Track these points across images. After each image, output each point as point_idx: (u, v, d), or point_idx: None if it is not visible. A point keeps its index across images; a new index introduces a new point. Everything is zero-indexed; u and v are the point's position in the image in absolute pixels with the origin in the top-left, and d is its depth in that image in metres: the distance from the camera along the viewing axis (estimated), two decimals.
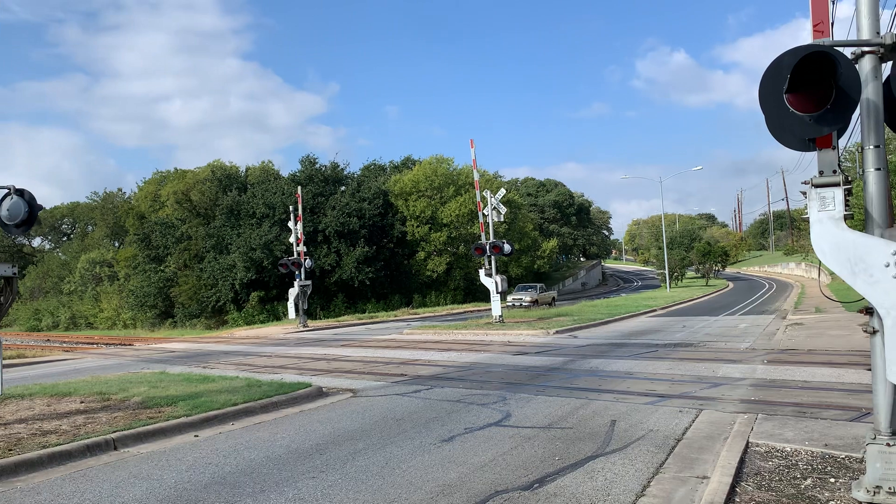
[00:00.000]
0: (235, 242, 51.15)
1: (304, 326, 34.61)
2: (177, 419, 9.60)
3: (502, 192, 31.84)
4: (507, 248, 28.83)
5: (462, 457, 7.47)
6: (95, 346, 36.24)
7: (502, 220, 34.41)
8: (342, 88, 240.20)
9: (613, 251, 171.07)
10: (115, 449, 8.47)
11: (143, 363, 20.72)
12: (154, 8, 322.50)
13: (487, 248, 27.95)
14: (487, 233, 29.27)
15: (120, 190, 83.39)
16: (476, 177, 31.67)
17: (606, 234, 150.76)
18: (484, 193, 30.04)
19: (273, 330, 35.10)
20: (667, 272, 66.61)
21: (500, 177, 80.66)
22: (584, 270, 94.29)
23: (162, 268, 58.10)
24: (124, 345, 34.06)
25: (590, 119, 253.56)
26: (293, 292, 35.13)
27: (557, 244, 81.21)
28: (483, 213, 30.04)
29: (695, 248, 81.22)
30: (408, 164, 68.67)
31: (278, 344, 26.11)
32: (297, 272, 34.95)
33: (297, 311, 35.23)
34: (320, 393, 12.28)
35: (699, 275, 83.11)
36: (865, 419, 8.17)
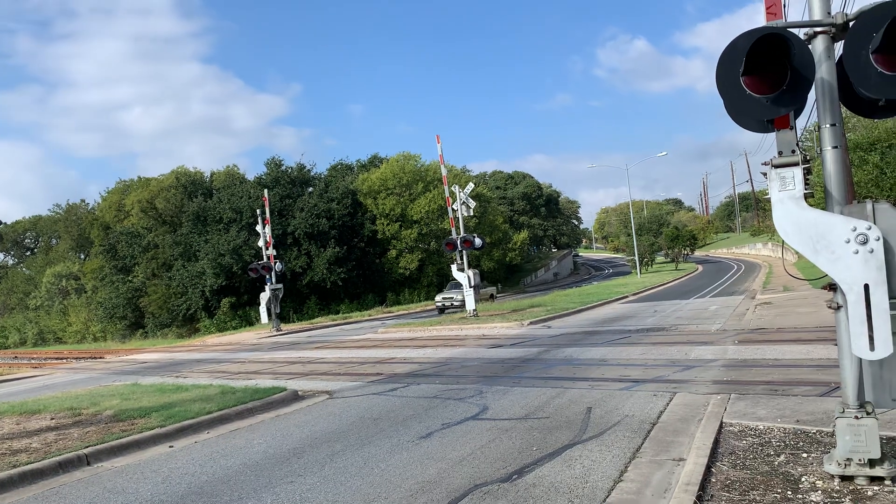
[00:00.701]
0: (204, 249, 50.56)
1: (278, 330, 34.35)
2: (150, 431, 9.45)
3: (471, 186, 31.85)
4: (477, 242, 28.88)
5: (440, 452, 7.47)
6: (65, 360, 35.54)
7: (472, 214, 34.48)
8: (305, 89, 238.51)
9: (584, 240, 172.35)
10: (89, 464, 8.31)
11: (114, 376, 20.38)
12: (107, 14, 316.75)
13: (458, 242, 27.97)
14: (458, 228, 29.28)
15: (83, 201, 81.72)
16: (444, 172, 31.66)
17: (576, 223, 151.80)
18: (452, 188, 30.04)
19: (246, 336, 34.78)
20: (637, 258, 67.28)
21: (469, 171, 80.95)
22: (555, 261, 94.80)
23: (130, 278, 57.22)
24: (95, 358, 33.46)
25: (555, 110, 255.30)
26: (265, 296, 34.85)
27: (528, 236, 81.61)
28: (452, 209, 30.04)
29: (663, 234, 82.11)
30: (375, 162, 68.40)
31: (252, 349, 25.87)
32: (267, 276, 34.66)
33: (269, 315, 34.97)
34: (296, 396, 12.18)
35: (669, 260, 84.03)
36: (835, 394, 8.32)
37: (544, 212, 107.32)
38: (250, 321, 46.69)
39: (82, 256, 76.68)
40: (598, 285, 53.76)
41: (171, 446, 9.04)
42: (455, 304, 36.75)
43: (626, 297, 35.94)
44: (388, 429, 8.92)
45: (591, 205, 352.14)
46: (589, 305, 29.90)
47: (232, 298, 49.90)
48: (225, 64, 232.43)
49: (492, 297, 45.18)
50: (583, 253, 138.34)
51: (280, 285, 35.20)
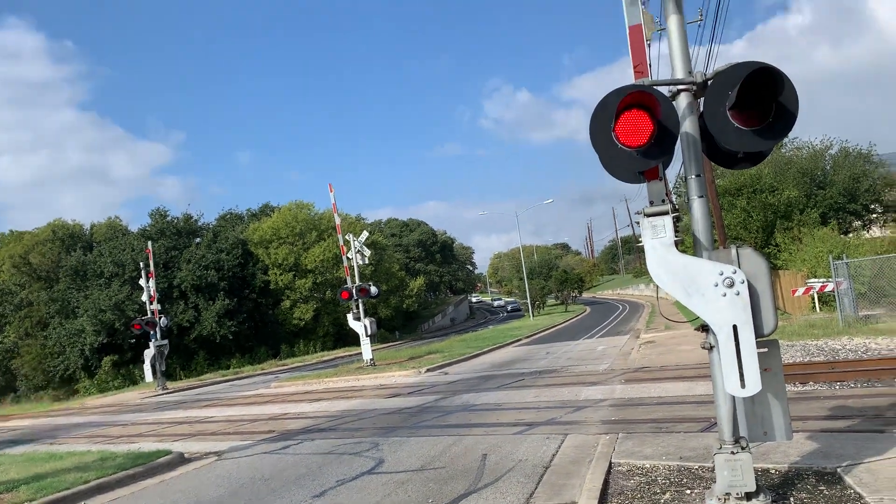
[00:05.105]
0: (83, 305, 47.65)
1: (164, 389, 32.60)
2: None
3: (365, 234, 31.74)
4: (373, 290, 28.65)
5: None
6: None
7: (367, 262, 34.26)
8: (188, 136, 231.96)
9: (479, 285, 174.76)
10: None
11: None
12: None
13: (354, 291, 27.67)
14: (353, 276, 29.01)
15: None
16: (337, 221, 31.42)
17: (471, 268, 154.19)
18: (347, 237, 29.82)
19: (129, 396, 32.80)
20: (529, 302, 68.83)
21: (364, 219, 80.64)
22: (452, 306, 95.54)
23: (1, 339, 53.05)
24: None
25: (446, 158, 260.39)
26: (149, 353, 33.10)
27: (424, 282, 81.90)
28: (347, 257, 29.77)
29: (553, 277, 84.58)
30: (266, 211, 67.04)
31: (136, 410, 24.40)
32: (152, 332, 32.99)
33: (154, 373, 33.19)
34: (182, 459, 11.54)
35: (559, 302, 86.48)
36: (714, 429, 8.68)
37: (440, 258, 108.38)
38: (134, 380, 44.08)
39: None
40: (494, 329, 54.47)
41: None
42: None
43: (521, 339, 36.56)
44: (281, 489, 8.57)
45: (484, 250, 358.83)
46: (485, 350, 30.19)
47: (114, 356, 47.05)
48: (102, 110, 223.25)
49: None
50: (479, 298, 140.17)
51: (165, 341, 33.57)
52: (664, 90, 5.39)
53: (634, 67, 5.54)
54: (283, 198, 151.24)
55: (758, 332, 5.13)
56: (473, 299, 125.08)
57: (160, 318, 33.60)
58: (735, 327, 5.07)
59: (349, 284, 28.18)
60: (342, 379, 24.26)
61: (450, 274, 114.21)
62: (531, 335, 39.73)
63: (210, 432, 15.23)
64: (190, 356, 48.60)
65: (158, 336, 33.03)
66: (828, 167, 35.16)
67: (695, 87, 5.48)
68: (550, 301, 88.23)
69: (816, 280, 23.77)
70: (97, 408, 28.97)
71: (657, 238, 5.29)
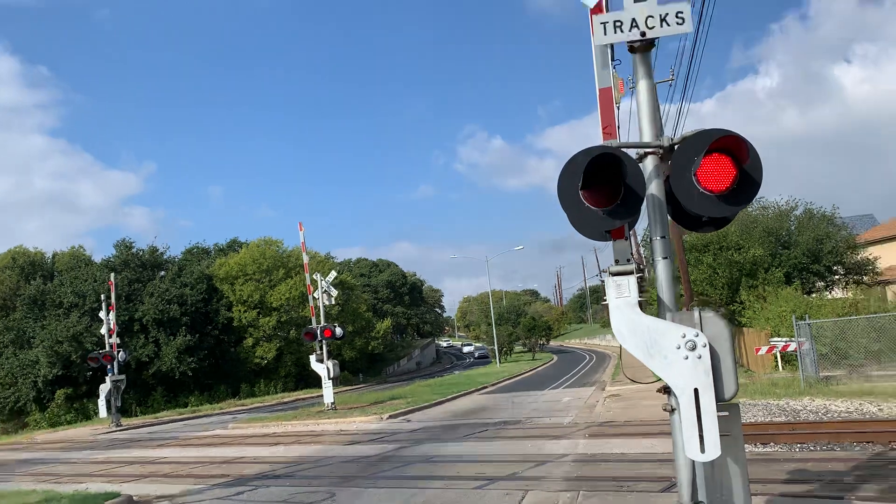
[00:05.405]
0: (39, 336, 46.36)
1: (118, 425, 31.62)
2: None
3: (333, 274, 31.57)
4: (338, 331, 28.33)
5: None
6: None
7: (334, 302, 33.94)
8: (160, 167, 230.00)
9: (446, 328, 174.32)
10: None
11: None
12: None
13: (318, 332, 27.31)
14: (318, 316, 28.68)
15: None
16: (305, 259, 31.22)
17: (439, 311, 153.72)
18: (314, 276, 29.59)
19: (82, 431, 31.75)
20: (496, 348, 68.69)
21: (333, 258, 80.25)
22: (418, 350, 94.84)
23: None
24: None
25: (418, 201, 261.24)
26: (105, 388, 32.15)
27: (391, 324, 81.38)
28: (313, 297, 29.48)
29: (521, 324, 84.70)
30: (234, 246, 66.40)
31: (87, 447, 23.58)
32: (109, 366, 32.13)
33: (109, 408, 32.20)
34: (131, 503, 11.12)
35: (526, 349, 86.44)
36: (674, 489, 8.61)
37: (408, 300, 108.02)
38: (88, 415, 42.73)
39: None
40: (460, 374, 54.14)
41: None
42: None
43: (487, 386, 36.33)
44: None
45: (454, 293, 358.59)
46: (450, 397, 29.89)
47: (68, 390, 45.63)
48: (73, 137, 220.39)
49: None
50: (446, 341, 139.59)
51: (123, 376, 32.68)
52: (632, 152, 5.45)
53: (603, 129, 5.60)
54: (252, 233, 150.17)
55: (718, 396, 5.11)
56: (444, 344, 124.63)
57: (118, 351, 32.78)
58: (696, 391, 5.04)
59: (314, 325, 27.85)
60: (302, 422, 23.77)
61: (418, 316, 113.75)
62: (497, 383, 39.52)
63: (163, 474, 14.74)
64: (147, 392, 47.39)
65: (116, 370, 32.18)
66: (792, 227, 35.94)
67: (661, 151, 5.54)
68: (518, 348, 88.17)
69: (780, 339, 24.05)
70: (47, 443, 27.99)
71: (621, 297, 5.28)
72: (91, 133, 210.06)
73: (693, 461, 5.37)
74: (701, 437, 5.04)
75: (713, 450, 4.99)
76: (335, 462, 14.21)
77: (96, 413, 37.30)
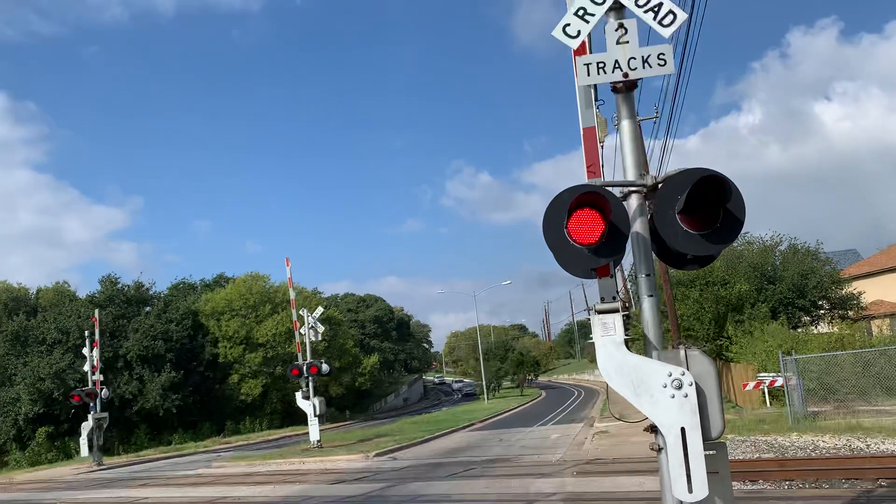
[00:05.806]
0: (21, 373, 45.66)
1: (99, 465, 31.02)
2: None
3: (320, 310, 31.38)
4: (325, 368, 28.11)
5: None
6: None
7: (320, 338, 33.68)
8: (147, 202, 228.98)
9: (434, 364, 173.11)
10: None
11: None
12: None
13: (304, 368, 27.06)
14: (305, 352, 28.45)
15: None
16: (292, 295, 31.07)
17: (427, 347, 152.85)
18: (301, 312, 29.42)
19: (62, 471, 31.12)
20: (485, 384, 68.26)
21: (320, 293, 79.86)
22: (405, 386, 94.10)
23: None
24: None
25: (406, 235, 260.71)
26: (87, 426, 31.62)
27: (379, 360, 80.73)
28: (300, 333, 29.27)
29: (509, 359, 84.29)
30: (220, 281, 66.04)
31: (66, 488, 23.09)
32: (91, 403, 31.66)
33: (91, 447, 31.62)
34: None
35: (515, 385, 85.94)
36: None
37: (396, 335, 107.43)
38: (69, 454, 41.88)
39: None
40: (447, 411, 53.65)
41: None
42: None
43: (474, 423, 36.02)
44: None
45: (442, 328, 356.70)
46: (437, 434, 29.58)
47: (50, 428, 44.77)
48: (60, 173, 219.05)
49: None
50: (435, 376, 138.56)
51: (105, 414, 32.18)
52: (616, 191, 5.50)
53: (588, 167, 5.65)
54: (239, 269, 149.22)
55: (705, 434, 5.09)
56: (436, 380, 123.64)
57: (101, 389, 32.36)
58: (683, 430, 5.01)
59: (300, 361, 27.64)
60: (287, 461, 23.43)
61: (405, 352, 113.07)
62: (485, 419, 39.20)
63: None
64: (131, 430, 46.62)
65: (98, 408, 31.72)
66: (777, 263, 36.22)
67: (645, 190, 5.59)
68: (506, 383, 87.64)
69: (766, 374, 24.06)
70: (25, 483, 27.40)
71: (607, 336, 5.26)
72: (78, 168, 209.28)
73: (680, 501, 5.32)
74: (688, 476, 4.99)
75: (701, 489, 4.95)
76: (320, 502, 13.97)
77: (78, 452, 36.60)
